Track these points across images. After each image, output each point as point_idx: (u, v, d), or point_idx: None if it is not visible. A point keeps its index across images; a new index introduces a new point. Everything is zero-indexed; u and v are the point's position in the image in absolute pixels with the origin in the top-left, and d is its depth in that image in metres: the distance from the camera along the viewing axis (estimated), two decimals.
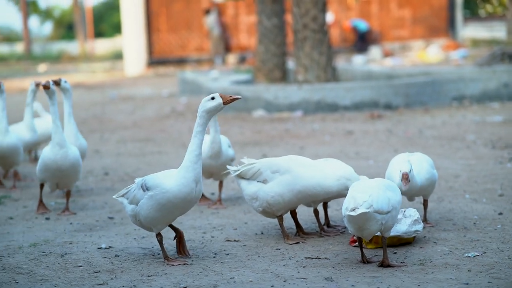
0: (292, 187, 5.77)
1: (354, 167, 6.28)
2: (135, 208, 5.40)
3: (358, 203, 5.02)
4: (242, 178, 6.04)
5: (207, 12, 32.62)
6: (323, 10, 15.35)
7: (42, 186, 7.27)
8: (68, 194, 7.22)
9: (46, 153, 7.01)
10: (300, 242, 5.87)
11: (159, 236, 5.45)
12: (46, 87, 6.99)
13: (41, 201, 7.26)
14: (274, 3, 18.73)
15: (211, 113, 5.31)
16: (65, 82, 7.75)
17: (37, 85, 8.72)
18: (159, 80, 27.15)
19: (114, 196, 5.71)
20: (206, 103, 5.28)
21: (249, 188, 5.97)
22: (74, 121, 7.90)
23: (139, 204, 5.36)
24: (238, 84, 16.18)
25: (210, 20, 32.18)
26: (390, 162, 6.19)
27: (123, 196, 5.58)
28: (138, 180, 5.51)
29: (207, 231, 6.40)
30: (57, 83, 7.61)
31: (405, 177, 5.58)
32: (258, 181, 5.91)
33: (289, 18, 18.63)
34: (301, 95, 14.41)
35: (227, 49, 33.38)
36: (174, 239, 5.61)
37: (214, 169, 7.21)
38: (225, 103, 5.28)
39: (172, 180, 5.27)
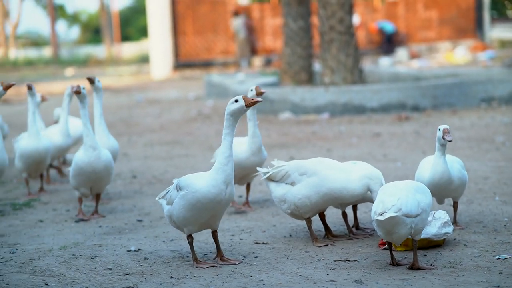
0: (319, 189, 5.75)
1: (382, 169, 6.25)
2: (170, 208, 5.43)
3: (387, 207, 4.99)
4: (271, 180, 6.04)
5: (235, 14, 32.64)
6: (350, 12, 15.31)
7: (81, 200, 7.21)
8: (97, 197, 7.24)
9: (80, 156, 6.98)
10: (329, 245, 5.85)
11: (189, 237, 5.45)
12: (77, 92, 7.01)
13: (80, 209, 7.22)
14: (300, 6, 18.72)
15: (235, 115, 5.32)
16: (99, 81, 7.79)
17: (88, 80, 8.92)
18: (185, 83, 27.23)
19: (156, 199, 5.73)
20: (230, 106, 5.31)
21: (277, 190, 5.97)
22: (105, 122, 7.91)
23: (173, 204, 5.39)
24: (265, 87, 16.12)
25: (237, 22, 32.22)
26: (419, 163, 6.16)
27: (163, 197, 5.61)
28: (175, 181, 5.53)
29: (236, 233, 6.40)
30: (91, 80, 7.66)
31: (447, 131, 5.71)
32: (286, 183, 5.91)
33: (315, 20, 18.60)
34: (328, 97, 14.38)
35: (253, 51, 33.40)
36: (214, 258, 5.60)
37: (250, 170, 7.08)
38: (247, 105, 5.27)
39: (202, 180, 5.29)
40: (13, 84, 7.17)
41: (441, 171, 5.87)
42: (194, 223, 5.37)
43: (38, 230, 6.74)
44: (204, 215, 5.33)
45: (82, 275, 5.30)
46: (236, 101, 5.27)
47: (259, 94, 6.88)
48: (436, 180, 5.88)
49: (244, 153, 7.07)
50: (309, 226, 5.96)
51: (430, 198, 5.25)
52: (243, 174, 7.21)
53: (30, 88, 8.08)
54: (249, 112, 6.94)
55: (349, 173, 5.82)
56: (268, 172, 6.06)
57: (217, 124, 14.67)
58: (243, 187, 7.86)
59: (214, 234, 5.51)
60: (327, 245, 5.84)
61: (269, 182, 6.07)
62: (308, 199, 5.79)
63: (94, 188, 7.15)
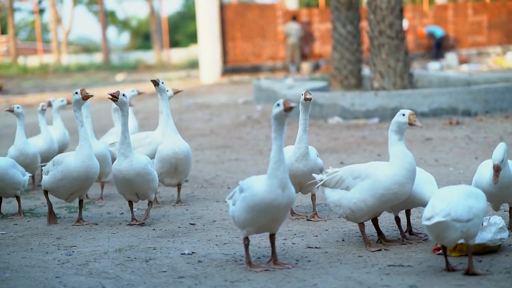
0: (374, 192, 5.72)
1: (434, 174, 6.22)
2: (233, 209, 5.48)
3: (436, 212, 4.96)
4: (326, 186, 6.04)
5: (293, 19, 32.66)
6: (400, 16, 15.24)
7: (131, 204, 7.25)
8: (149, 204, 7.20)
9: (114, 164, 7.04)
10: (382, 250, 5.83)
11: (246, 240, 5.48)
12: (115, 98, 6.92)
13: (132, 214, 7.30)
14: (349, 11, 18.72)
15: (278, 119, 5.24)
16: (163, 83, 7.87)
17: (140, 93, 9.13)
18: (234, 88, 27.34)
19: (226, 199, 5.79)
20: (273, 109, 5.31)
21: (332, 195, 5.95)
22: (172, 121, 7.97)
23: (235, 205, 5.44)
24: (314, 91, 16.14)
25: (290, 27, 32.18)
26: (478, 168, 6.10)
27: (230, 198, 5.67)
28: (240, 182, 5.57)
29: (288, 237, 6.42)
30: (156, 82, 7.77)
31: (496, 169, 5.60)
32: (341, 189, 5.90)
33: (364, 25, 18.54)
34: (378, 102, 14.32)
35: (302, 57, 33.41)
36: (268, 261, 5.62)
37: (301, 177, 6.96)
38: (285, 110, 5.18)
39: (260, 184, 5.30)
40: (91, 96, 7.37)
41: (501, 175, 5.80)
42: (253, 225, 5.38)
43: (94, 233, 6.85)
44: (263, 218, 5.33)
45: (137, 277, 5.37)
46: (278, 105, 5.26)
47: (306, 100, 6.84)
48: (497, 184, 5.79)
49: (288, 160, 6.90)
50: (362, 231, 5.94)
51: (484, 203, 5.20)
52: (295, 182, 6.93)
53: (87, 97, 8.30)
54: (301, 117, 6.92)
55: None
56: (322, 180, 6.07)
57: (267, 128, 14.72)
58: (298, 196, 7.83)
59: (272, 237, 5.53)
60: (380, 250, 5.83)
61: (324, 188, 6.07)
62: (363, 203, 5.76)
63: (139, 195, 7.12)
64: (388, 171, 5.71)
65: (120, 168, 6.93)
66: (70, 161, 7.06)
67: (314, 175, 6.30)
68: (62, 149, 10.06)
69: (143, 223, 7.11)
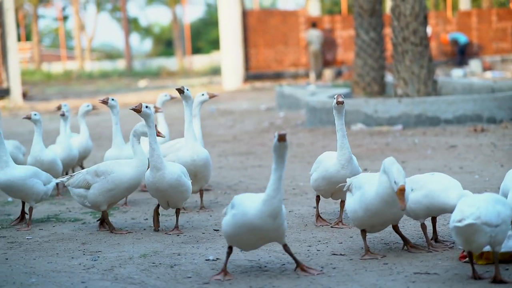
0: (360, 204, 5.71)
1: (459, 182, 6.17)
2: (223, 220, 5.45)
3: (466, 215, 4.94)
4: (349, 191, 6.06)
5: (313, 26, 32.66)
6: (424, 23, 15.18)
7: (157, 210, 7.24)
8: (177, 213, 7.15)
9: (146, 175, 6.98)
10: (378, 258, 5.79)
11: (229, 248, 5.50)
12: (138, 111, 6.83)
13: (155, 219, 7.32)
14: (372, 17, 18.69)
15: (276, 151, 5.15)
16: (188, 90, 7.88)
17: (172, 98, 9.05)
18: (256, 95, 27.38)
19: (223, 211, 5.78)
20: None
21: (348, 202, 5.98)
22: (193, 129, 8.00)
23: (225, 218, 5.44)
24: None
25: (311, 34, 32.18)
26: (506, 175, 6.05)
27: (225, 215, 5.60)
28: (234, 197, 5.51)
29: (312, 244, 6.41)
30: (181, 90, 7.78)
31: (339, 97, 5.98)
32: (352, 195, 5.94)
33: (387, 31, 18.50)
34: (401, 108, 14.27)
35: (324, 63, 33.39)
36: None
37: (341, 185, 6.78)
38: (278, 140, 5.08)
39: (253, 206, 5.24)
40: (160, 110, 7.50)
41: None
42: (240, 242, 5.41)
43: (118, 238, 6.87)
44: (251, 237, 5.33)
45: (162, 283, 5.38)
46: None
47: (338, 103, 6.77)
48: None
49: (333, 167, 6.85)
50: (363, 237, 5.93)
51: (511, 211, 5.17)
52: (335, 190, 6.94)
53: (105, 102, 8.36)
54: (337, 122, 6.86)
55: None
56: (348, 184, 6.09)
57: (289, 135, 14.64)
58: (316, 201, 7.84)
59: (285, 248, 5.51)
60: (374, 259, 5.79)
61: (348, 193, 6.08)
62: (355, 213, 5.78)
63: (170, 203, 7.08)
64: (374, 188, 5.66)
65: (153, 181, 6.87)
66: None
67: (348, 179, 6.23)
68: (84, 156, 10.11)
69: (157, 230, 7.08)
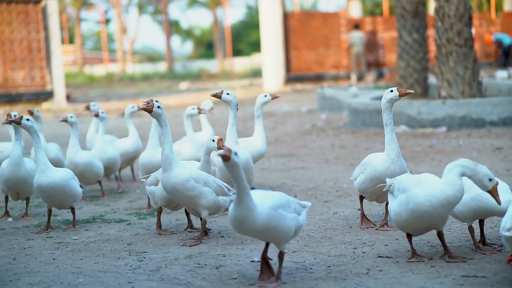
0: (406, 207, 5.61)
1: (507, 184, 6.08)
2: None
3: None
4: (392, 193, 5.98)
5: (356, 27, 32.53)
6: (468, 24, 15.00)
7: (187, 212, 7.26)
8: (202, 223, 6.89)
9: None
10: (425, 261, 5.74)
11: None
12: (147, 109, 6.60)
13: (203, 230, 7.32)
14: (415, 19, 18.52)
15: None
16: (228, 94, 7.92)
17: (274, 97, 9.15)
18: (297, 97, 27.35)
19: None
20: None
21: (390, 203, 5.91)
22: (235, 132, 8.01)
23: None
24: (379, 100, 16.05)
25: (353, 36, 32.04)
26: None
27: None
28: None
29: (358, 246, 6.37)
30: (218, 96, 7.84)
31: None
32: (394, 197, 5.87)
33: (430, 33, 18.33)
34: (445, 110, 14.13)
35: (367, 65, 33.23)
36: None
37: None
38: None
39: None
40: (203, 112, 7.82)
41: None
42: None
43: (163, 239, 6.90)
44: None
45: (208, 284, 5.39)
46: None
47: (403, 94, 6.68)
48: None
49: (383, 164, 6.74)
50: (409, 240, 5.86)
51: None
52: (381, 192, 6.79)
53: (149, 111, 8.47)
54: (386, 117, 6.78)
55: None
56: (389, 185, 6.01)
57: (332, 137, 14.66)
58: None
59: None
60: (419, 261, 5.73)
61: (389, 194, 6.01)
62: (398, 216, 5.70)
63: (189, 210, 6.94)
64: (425, 190, 5.58)
65: (161, 181, 6.71)
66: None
67: (387, 179, 6.17)
68: (134, 156, 10.17)
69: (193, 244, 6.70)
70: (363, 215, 7.15)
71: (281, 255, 5.34)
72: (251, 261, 5.96)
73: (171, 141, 6.61)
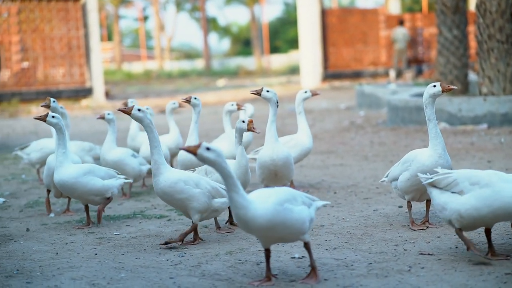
0: (491, 203, 5.51)
1: None
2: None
3: None
4: (435, 186, 5.85)
5: (400, 23, 32.33)
6: (510, 20, 14.79)
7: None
8: (192, 226, 6.74)
9: None
10: (484, 259, 5.61)
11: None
12: (126, 112, 6.44)
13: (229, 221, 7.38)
14: (455, 15, 18.34)
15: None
16: (268, 91, 7.91)
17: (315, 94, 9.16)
18: (335, 93, 27.26)
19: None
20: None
21: (440, 197, 5.75)
22: (275, 129, 7.99)
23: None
24: (418, 97, 15.93)
25: (397, 32, 31.83)
26: None
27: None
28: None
29: (399, 243, 6.32)
30: (258, 93, 7.85)
31: None
32: (452, 192, 5.70)
33: (471, 29, 18.13)
34: (486, 107, 13.98)
35: (409, 62, 33.01)
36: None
37: None
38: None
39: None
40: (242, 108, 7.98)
41: None
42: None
43: (204, 236, 6.91)
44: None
45: (249, 280, 5.39)
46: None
47: (446, 90, 6.61)
48: None
49: (430, 158, 6.62)
50: (461, 235, 5.71)
51: None
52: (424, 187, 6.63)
53: (188, 101, 8.52)
54: (429, 112, 6.71)
55: None
56: (430, 178, 5.87)
57: (371, 134, 14.58)
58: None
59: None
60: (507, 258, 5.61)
61: (431, 188, 5.87)
62: (476, 211, 5.53)
63: (183, 213, 6.74)
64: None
65: (154, 186, 6.53)
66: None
67: (419, 174, 6.08)
68: (176, 152, 10.21)
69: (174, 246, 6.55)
70: (413, 221, 6.98)
71: (307, 246, 5.29)
72: (292, 258, 5.95)
73: (160, 145, 6.42)
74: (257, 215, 4.96)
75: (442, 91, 6.60)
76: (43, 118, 7.34)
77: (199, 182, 6.46)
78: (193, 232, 6.63)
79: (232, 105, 9.44)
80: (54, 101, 8.67)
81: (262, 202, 5.00)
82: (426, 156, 6.68)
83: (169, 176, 6.36)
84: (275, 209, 5.01)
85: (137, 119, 6.43)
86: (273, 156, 7.94)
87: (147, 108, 9.32)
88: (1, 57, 26.20)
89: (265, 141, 8.04)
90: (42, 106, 8.75)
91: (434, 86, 6.63)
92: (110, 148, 8.89)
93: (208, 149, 4.78)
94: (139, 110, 6.43)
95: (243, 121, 6.96)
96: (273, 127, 7.93)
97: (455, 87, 6.66)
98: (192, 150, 4.77)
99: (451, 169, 6.75)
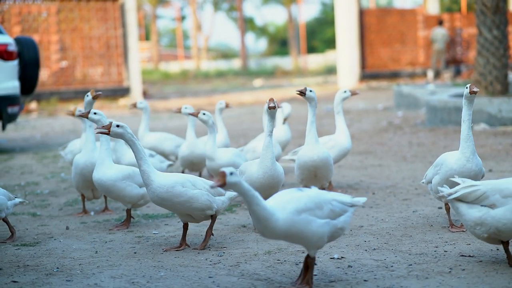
0: None
1: None
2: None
3: None
4: (461, 201, 5.57)
5: (439, 23, 32.10)
6: None
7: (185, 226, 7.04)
8: (183, 228, 6.64)
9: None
10: None
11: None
12: (104, 132, 6.27)
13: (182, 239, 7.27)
14: (495, 15, 18.13)
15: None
16: (311, 91, 7.80)
17: (354, 93, 9.13)
18: (373, 94, 27.13)
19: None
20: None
21: (471, 212, 5.48)
22: (315, 130, 7.93)
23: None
24: (458, 97, 15.78)
25: (436, 32, 31.59)
26: None
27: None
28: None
29: (439, 245, 6.27)
30: (303, 92, 7.71)
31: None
32: (482, 205, 5.45)
33: (511, 29, 17.90)
34: None
35: (447, 63, 32.74)
36: None
37: (473, 179, 6.46)
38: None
39: None
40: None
41: None
42: None
43: (242, 235, 6.92)
44: None
45: (288, 280, 5.38)
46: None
47: (472, 93, 6.53)
48: None
49: (458, 162, 6.56)
50: (507, 249, 5.55)
51: None
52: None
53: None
54: (465, 112, 6.61)
55: None
56: (456, 192, 5.56)
57: (409, 134, 14.48)
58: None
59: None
60: None
61: (457, 203, 5.58)
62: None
63: (186, 217, 6.54)
64: None
65: (150, 197, 6.31)
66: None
67: (440, 188, 5.81)
68: (283, 147, 10.34)
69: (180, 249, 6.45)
70: (452, 224, 6.88)
71: (309, 260, 5.12)
72: (331, 258, 5.93)
73: (145, 155, 6.20)
74: (276, 226, 4.82)
75: (470, 93, 6.53)
76: (85, 115, 7.36)
77: (196, 182, 6.31)
78: (183, 236, 6.48)
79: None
80: (79, 110, 8.74)
81: (280, 210, 4.85)
82: (454, 160, 6.59)
83: (163, 182, 6.18)
84: (291, 219, 4.84)
85: (117, 136, 6.24)
86: (314, 157, 7.89)
87: (185, 108, 9.39)
88: (41, 57, 26.50)
89: (305, 141, 7.98)
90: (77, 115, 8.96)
91: (467, 87, 6.57)
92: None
93: (231, 174, 4.65)
94: (117, 126, 6.23)
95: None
96: (313, 128, 7.84)
97: (477, 90, 6.48)
98: (222, 182, 4.64)
99: (482, 173, 6.67)
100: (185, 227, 6.48)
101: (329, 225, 5.02)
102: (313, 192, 5.06)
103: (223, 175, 4.62)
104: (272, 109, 6.66)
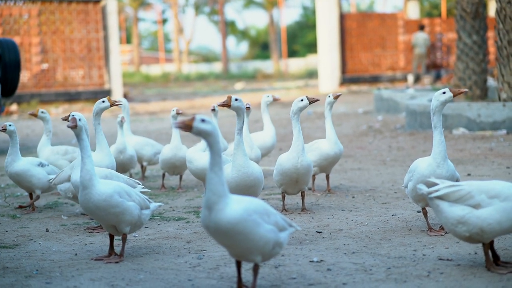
0: None
1: None
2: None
3: None
4: (441, 199, 5.59)
5: (420, 28, 32.27)
6: None
7: (111, 236, 6.72)
8: (122, 239, 6.34)
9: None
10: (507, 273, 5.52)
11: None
12: (72, 126, 6.04)
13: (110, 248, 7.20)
14: (475, 20, 18.30)
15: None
16: (236, 100, 7.68)
17: (336, 97, 9.20)
18: (353, 98, 27.23)
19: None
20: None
21: (453, 210, 5.50)
22: (302, 138, 7.90)
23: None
24: None
25: (417, 37, 31.74)
26: None
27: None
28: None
29: (418, 248, 6.31)
30: (227, 104, 7.64)
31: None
32: (466, 205, 5.47)
33: (490, 34, 18.05)
34: (506, 113, 13.92)
35: (428, 67, 32.92)
36: None
37: None
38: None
39: None
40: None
41: None
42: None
43: None
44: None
45: (267, 283, 5.39)
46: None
47: (457, 94, 6.60)
48: None
49: (428, 167, 6.64)
50: (486, 252, 5.58)
51: None
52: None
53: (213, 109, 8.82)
54: (437, 118, 6.72)
55: None
56: (437, 191, 5.58)
57: (389, 138, 14.56)
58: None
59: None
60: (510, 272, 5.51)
61: (437, 201, 5.60)
62: (499, 225, 5.38)
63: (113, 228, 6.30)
64: None
65: (81, 200, 6.02)
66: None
67: (419, 186, 5.81)
68: (267, 152, 10.39)
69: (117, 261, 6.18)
70: (430, 228, 6.93)
71: (256, 268, 5.02)
72: (310, 261, 5.95)
73: (91, 155, 6.00)
74: (223, 214, 4.67)
75: (454, 96, 6.59)
76: (67, 120, 7.21)
77: (130, 193, 6.12)
78: (110, 245, 6.30)
79: (268, 96, 10.10)
80: (42, 111, 9.31)
81: (234, 204, 4.72)
82: (425, 165, 6.67)
83: (103, 189, 5.94)
84: (242, 216, 4.72)
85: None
86: (297, 165, 7.86)
87: (173, 110, 9.39)
88: (21, 59, 26.39)
89: (291, 148, 7.91)
90: (30, 114, 9.37)
91: (444, 92, 6.60)
92: (13, 161, 8.45)
93: (203, 120, 4.59)
94: (79, 120, 6.07)
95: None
96: (300, 136, 7.82)
97: (466, 90, 6.65)
98: (188, 124, 4.54)
99: (455, 177, 6.71)
100: (112, 237, 6.29)
101: (275, 234, 4.91)
102: (261, 201, 5.02)
103: (192, 119, 4.55)
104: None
